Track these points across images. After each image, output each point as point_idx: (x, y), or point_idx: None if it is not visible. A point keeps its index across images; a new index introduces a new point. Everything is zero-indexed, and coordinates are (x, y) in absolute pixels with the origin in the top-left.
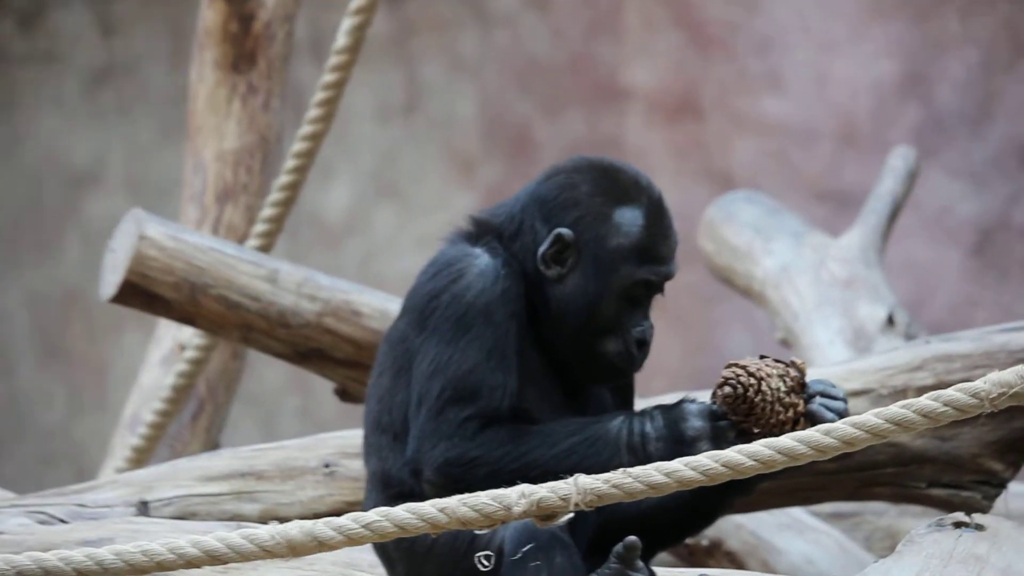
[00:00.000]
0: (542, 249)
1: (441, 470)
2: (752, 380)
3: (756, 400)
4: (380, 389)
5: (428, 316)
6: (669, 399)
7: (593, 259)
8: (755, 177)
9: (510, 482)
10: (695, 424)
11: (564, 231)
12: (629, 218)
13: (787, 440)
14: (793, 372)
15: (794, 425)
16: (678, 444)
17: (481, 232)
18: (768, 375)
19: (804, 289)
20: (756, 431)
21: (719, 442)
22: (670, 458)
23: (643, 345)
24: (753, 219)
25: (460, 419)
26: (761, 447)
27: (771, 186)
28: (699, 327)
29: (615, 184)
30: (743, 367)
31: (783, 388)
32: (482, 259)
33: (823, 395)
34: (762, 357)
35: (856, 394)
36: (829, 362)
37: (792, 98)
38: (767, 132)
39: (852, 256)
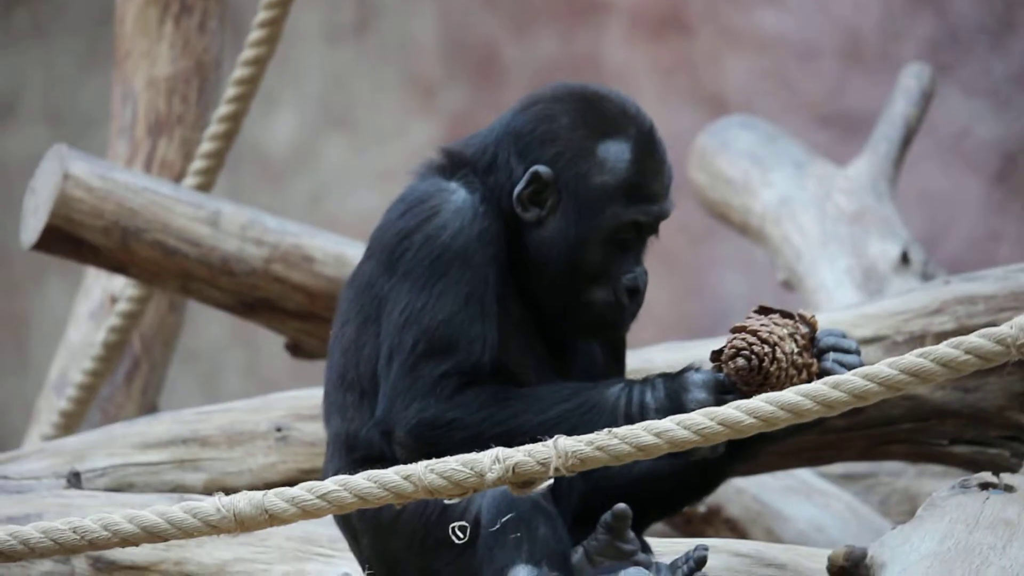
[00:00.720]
0: (518, 189)
1: (414, 432)
2: (766, 348)
3: (772, 370)
4: (344, 340)
5: (399, 259)
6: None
7: (575, 199)
8: (751, 100)
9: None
10: (698, 396)
11: (542, 169)
12: (615, 152)
13: (791, 395)
14: (803, 328)
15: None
16: None
17: (455, 165)
18: (780, 338)
19: (807, 224)
20: None
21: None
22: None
23: (635, 294)
24: (749, 147)
25: (436, 375)
26: (762, 403)
27: (769, 110)
28: (690, 269)
29: (599, 115)
30: (754, 332)
31: (795, 349)
32: (458, 195)
33: (835, 349)
34: (764, 310)
35: (868, 342)
36: (837, 306)
37: (791, 9)
38: (763, 49)
39: (861, 187)
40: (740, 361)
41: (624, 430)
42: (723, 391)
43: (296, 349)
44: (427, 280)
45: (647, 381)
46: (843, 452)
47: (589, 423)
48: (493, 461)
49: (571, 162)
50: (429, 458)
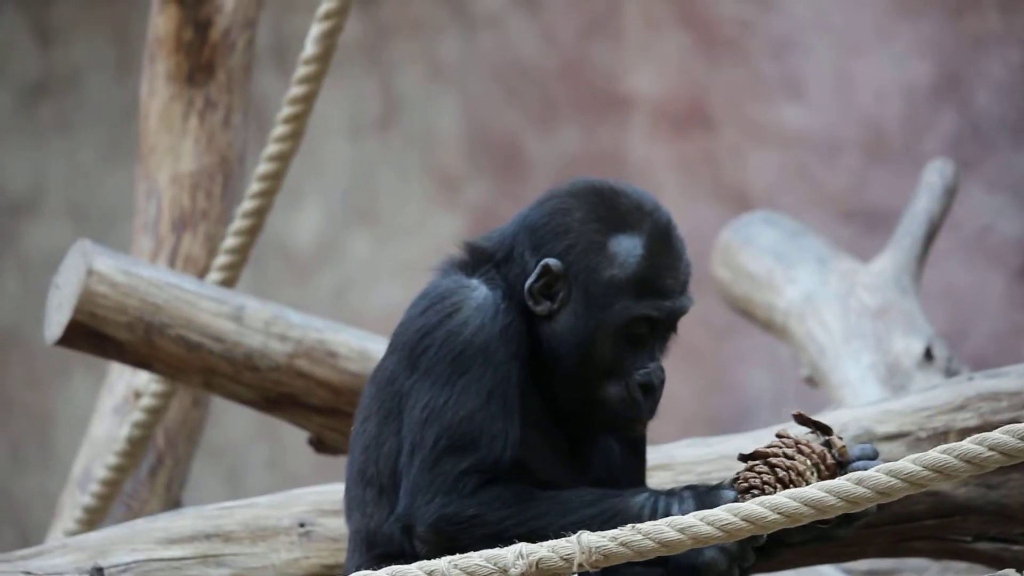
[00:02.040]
0: (529, 281)
1: (435, 527)
2: (779, 488)
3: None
4: (366, 437)
5: (420, 355)
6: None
7: (585, 293)
8: (773, 195)
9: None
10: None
11: (552, 261)
12: (626, 247)
13: (814, 491)
14: (829, 459)
15: None
16: None
17: (477, 261)
18: (799, 474)
19: (831, 321)
20: None
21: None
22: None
23: (649, 390)
24: (773, 243)
25: (458, 472)
26: (785, 499)
27: (792, 205)
28: (714, 364)
29: (613, 209)
30: (772, 467)
31: (815, 482)
32: (480, 291)
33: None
34: (801, 420)
35: (891, 438)
36: (861, 402)
37: (813, 105)
38: (786, 144)
39: (884, 283)
40: (748, 499)
41: (648, 526)
42: None
43: (320, 444)
44: (449, 376)
45: (674, 493)
46: (867, 548)
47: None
48: (517, 556)
49: (582, 255)
50: (450, 554)
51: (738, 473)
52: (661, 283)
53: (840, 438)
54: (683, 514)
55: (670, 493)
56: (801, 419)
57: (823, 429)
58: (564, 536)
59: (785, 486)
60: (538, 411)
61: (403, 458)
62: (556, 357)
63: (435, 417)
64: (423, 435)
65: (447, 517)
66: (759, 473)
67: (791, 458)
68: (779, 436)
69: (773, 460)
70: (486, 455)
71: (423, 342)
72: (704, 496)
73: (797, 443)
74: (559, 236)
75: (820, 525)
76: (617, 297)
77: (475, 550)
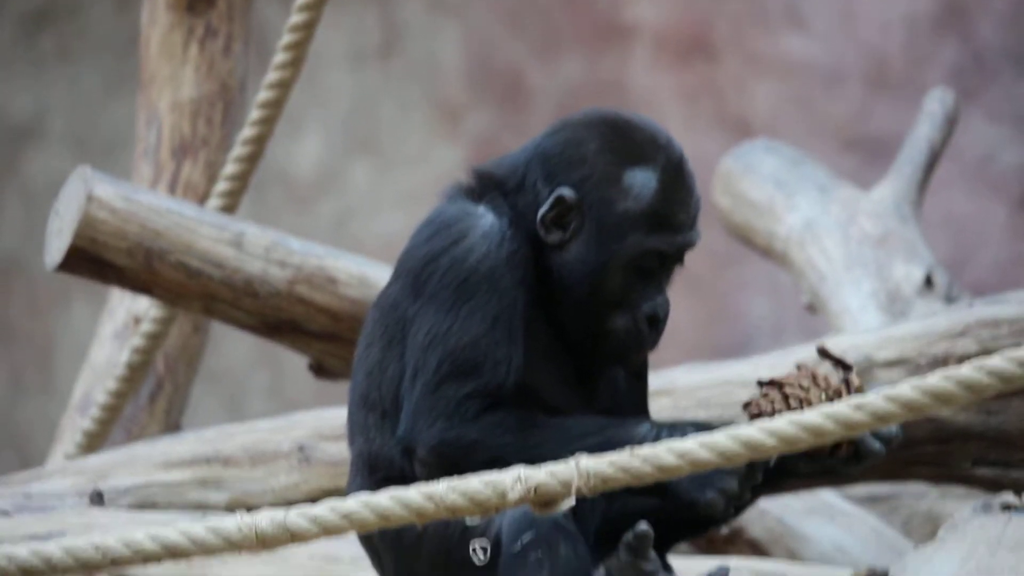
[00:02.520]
0: (542, 211)
1: (436, 451)
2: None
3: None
4: (368, 361)
5: (425, 282)
6: (684, 372)
7: (598, 225)
8: (775, 124)
9: None
10: None
11: (566, 192)
12: (641, 180)
13: (814, 416)
14: (845, 395)
15: (840, 448)
16: None
17: (484, 187)
18: (812, 405)
19: (832, 248)
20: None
21: (753, 474)
22: (698, 481)
23: (655, 322)
24: (774, 171)
25: (460, 396)
26: (785, 424)
27: (793, 134)
28: (715, 292)
29: (628, 141)
30: (784, 394)
31: None
32: (486, 218)
33: None
34: (823, 354)
35: (891, 364)
36: (860, 329)
37: (816, 35)
38: (788, 74)
39: (885, 211)
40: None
41: (646, 450)
42: None
43: (320, 370)
44: (454, 303)
45: (677, 427)
46: (866, 473)
47: None
48: (515, 481)
49: (596, 187)
50: (449, 476)
51: (751, 398)
52: (673, 217)
53: (859, 377)
54: None
55: (673, 426)
56: (823, 353)
57: (844, 366)
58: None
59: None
60: (545, 339)
61: (405, 382)
62: (565, 287)
63: (439, 342)
64: (426, 359)
65: (448, 441)
66: (771, 400)
67: (805, 389)
68: (798, 367)
69: (787, 389)
70: (489, 380)
71: (428, 268)
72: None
73: (814, 375)
74: (573, 166)
75: (830, 459)
76: (630, 230)
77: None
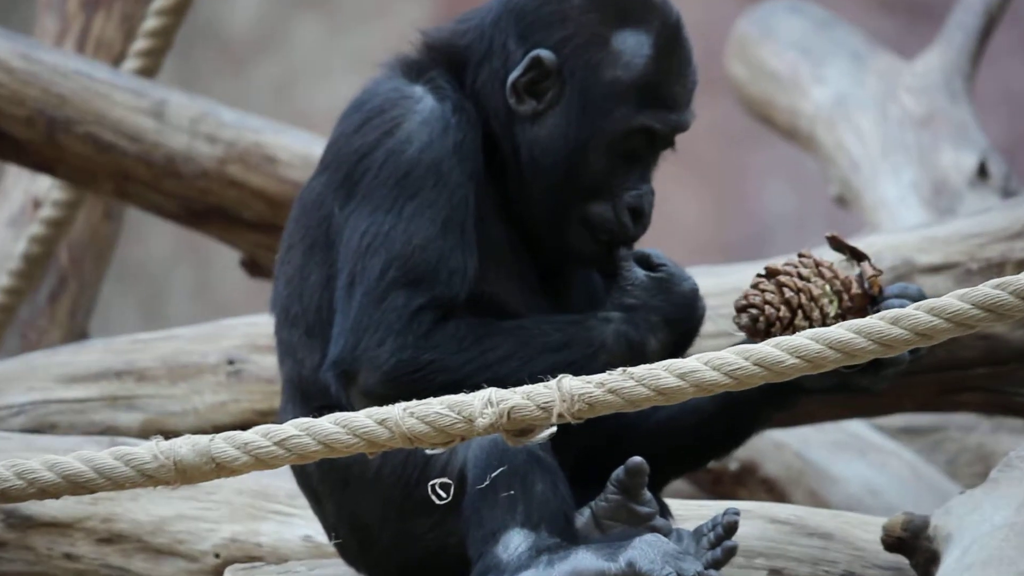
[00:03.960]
0: (514, 75)
1: (390, 375)
2: (783, 312)
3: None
4: (289, 268)
5: (358, 181)
6: None
7: (581, 94)
8: None
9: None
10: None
11: (544, 53)
12: (632, 44)
13: (841, 331)
14: (855, 288)
15: None
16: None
17: (430, 61)
18: (814, 297)
19: (867, 129)
20: None
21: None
22: None
23: (639, 215)
24: (798, 35)
25: (412, 308)
26: (808, 340)
27: None
28: (727, 180)
29: None
30: (780, 285)
31: (834, 312)
32: (424, 102)
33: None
34: (836, 244)
35: (936, 270)
36: (899, 226)
37: None
38: None
39: (931, 85)
40: (744, 319)
41: (642, 370)
42: None
43: (254, 267)
44: (395, 200)
45: (648, 316)
46: (904, 401)
47: (587, 362)
48: (485, 404)
49: (580, 49)
50: None
51: (744, 292)
52: (668, 91)
53: (877, 269)
54: (657, 343)
55: (646, 308)
56: (836, 243)
57: (859, 256)
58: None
59: (792, 310)
60: (503, 238)
61: (338, 292)
62: (536, 169)
63: (380, 245)
64: (365, 265)
65: (404, 363)
66: (763, 291)
67: (806, 279)
68: (800, 255)
69: (783, 279)
70: (444, 292)
71: (361, 164)
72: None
73: (818, 265)
74: (553, 25)
75: (842, 370)
76: (618, 102)
77: None
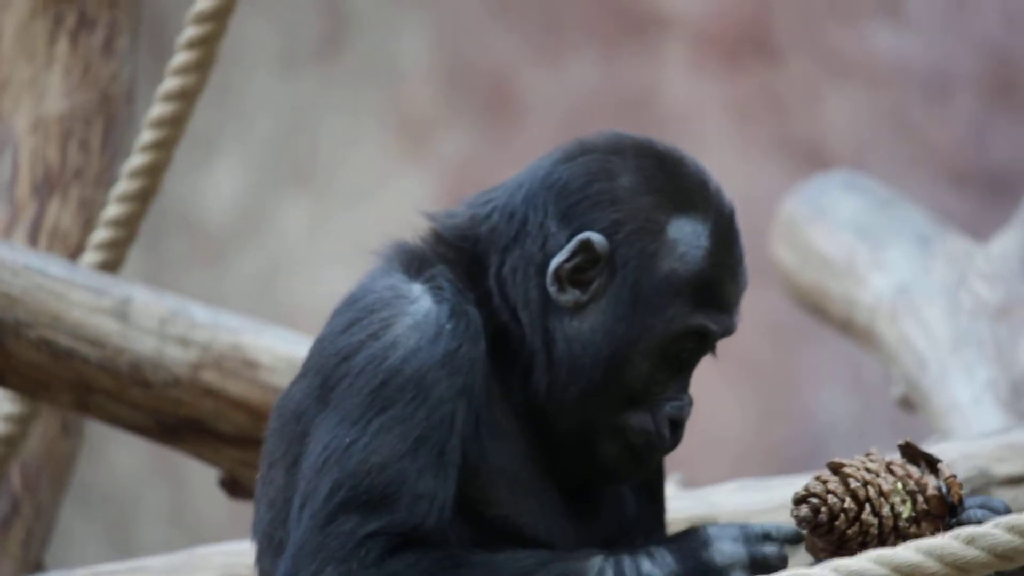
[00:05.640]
0: (558, 260)
1: None
2: (848, 503)
3: (849, 532)
4: (271, 488)
5: (333, 386)
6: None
7: (633, 286)
8: (859, 151)
9: None
10: (725, 548)
11: (595, 237)
12: (690, 234)
13: (906, 552)
14: (931, 490)
15: None
16: None
17: (434, 254)
18: (883, 492)
19: (935, 321)
20: None
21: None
22: None
23: (676, 427)
24: (856, 215)
25: (361, 535)
26: (865, 562)
27: (883, 165)
28: (775, 380)
29: (672, 181)
30: (845, 476)
31: (907, 514)
32: (420, 304)
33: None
34: (908, 451)
35: (1016, 481)
36: (974, 433)
37: (916, 27)
38: (877, 81)
39: (1009, 270)
40: (804, 510)
41: None
42: (763, 541)
43: (235, 486)
44: (364, 411)
45: (640, 550)
46: None
47: None
48: None
49: (633, 236)
50: None
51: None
52: (723, 289)
53: (954, 475)
54: (661, 567)
55: (634, 550)
56: (909, 450)
57: (930, 461)
58: None
59: (859, 503)
60: (520, 454)
61: (292, 513)
62: (574, 368)
63: (335, 461)
64: (318, 483)
65: None
66: (825, 481)
67: (875, 473)
68: (867, 454)
69: (848, 470)
70: (404, 519)
71: (340, 368)
72: (683, 537)
73: (889, 464)
74: (602, 206)
75: None
76: (674, 299)
77: None
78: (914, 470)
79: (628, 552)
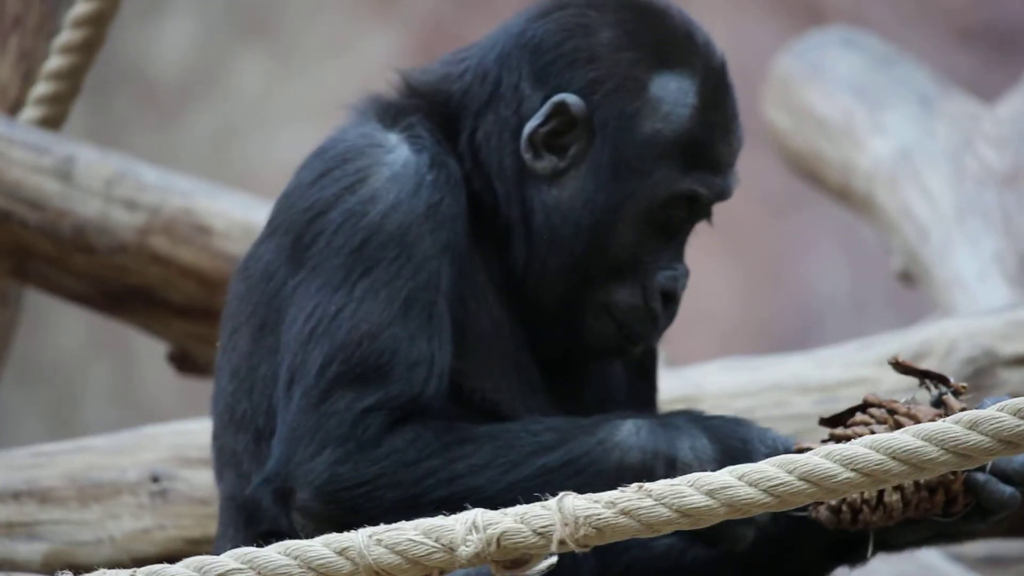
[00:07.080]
0: (532, 125)
1: (325, 492)
2: (868, 492)
3: (873, 519)
4: (235, 357)
5: (309, 245)
6: (717, 371)
7: (613, 149)
8: (857, 6)
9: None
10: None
11: (570, 98)
12: (675, 92)
13: (905, 437)
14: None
15: (956, 502)
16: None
17: (411, 105)
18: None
19: (938, 188)
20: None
21: None
22: None
23: (670, 301)
24: (854, 74)
25: (357, 411)
26: (864, 449)
27: (884, 20)
28: (766, 251)
29: (655, 34)
30: (837, 437)
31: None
32: (397, 153)
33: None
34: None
35: (1022, 361)
36: (978, 309)
37: None
38: None
39: (1019, 134)
40: (823, 512)
41: (662, 486)
42: None
43: (184, 361)
44: (347, 274)
45: (669, 423)
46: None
47: (585, 484)
48: (469, 529)
49: (612, 95)
50: (340, 531)
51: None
52: (714, 149)
53: (963, 388)
54: (695, 457)
55: (666, 419)
56: (903, 368)
57: (935, 380)
58: (513, 499)
59: (876, 494)
60: (497, 324)
61: (279, 390)
62: (553, 240)
63: (323, 332)
64: (306, 357)
65: (342, 477)
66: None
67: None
68: (866, 403)
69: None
70: (401, 389)
71: (314, 225)
72: (720, 428)
73: (894, 412)
74: (578, 64)
75: (942, 520)
76: (658, 162)
77: (386, 523)
78: (921, 408)
79: (660, 421)
